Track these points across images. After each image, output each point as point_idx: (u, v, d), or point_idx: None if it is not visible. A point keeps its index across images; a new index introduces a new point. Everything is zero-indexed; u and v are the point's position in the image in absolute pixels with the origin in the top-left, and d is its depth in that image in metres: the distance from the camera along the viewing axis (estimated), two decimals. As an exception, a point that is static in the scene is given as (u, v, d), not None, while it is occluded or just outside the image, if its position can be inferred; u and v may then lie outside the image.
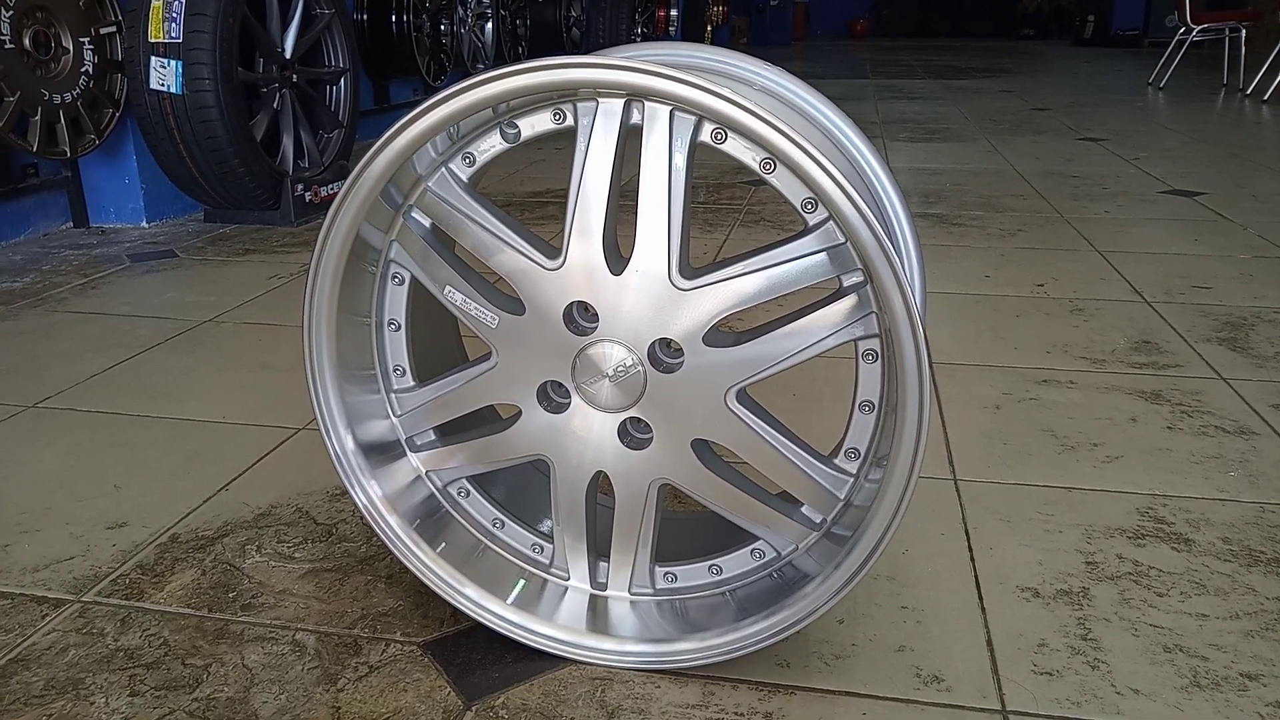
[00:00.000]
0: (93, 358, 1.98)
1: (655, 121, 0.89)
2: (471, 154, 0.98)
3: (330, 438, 1.07)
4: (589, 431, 1.01)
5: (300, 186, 3.19)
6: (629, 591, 1.09)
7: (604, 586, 1.10)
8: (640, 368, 0.97)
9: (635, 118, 0.90)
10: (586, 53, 0.95)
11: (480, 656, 1.07)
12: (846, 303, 0.92)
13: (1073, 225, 3.08)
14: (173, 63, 2.80)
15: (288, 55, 3.25)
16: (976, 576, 1.21)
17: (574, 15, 7.21)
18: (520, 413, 1.03)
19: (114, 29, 2.93)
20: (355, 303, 1.05)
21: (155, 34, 2.80)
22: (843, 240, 0.90)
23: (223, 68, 2.84)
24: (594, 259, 0.94)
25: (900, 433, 0.89)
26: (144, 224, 3.19)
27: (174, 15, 2.79)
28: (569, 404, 1.01)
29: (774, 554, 1.04)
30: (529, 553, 1.13)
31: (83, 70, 2.84)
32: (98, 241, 2.99)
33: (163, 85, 2.82)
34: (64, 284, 2.52)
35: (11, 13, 2.60)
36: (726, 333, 0.96)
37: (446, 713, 0.98)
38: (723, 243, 2.89)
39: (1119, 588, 1.18)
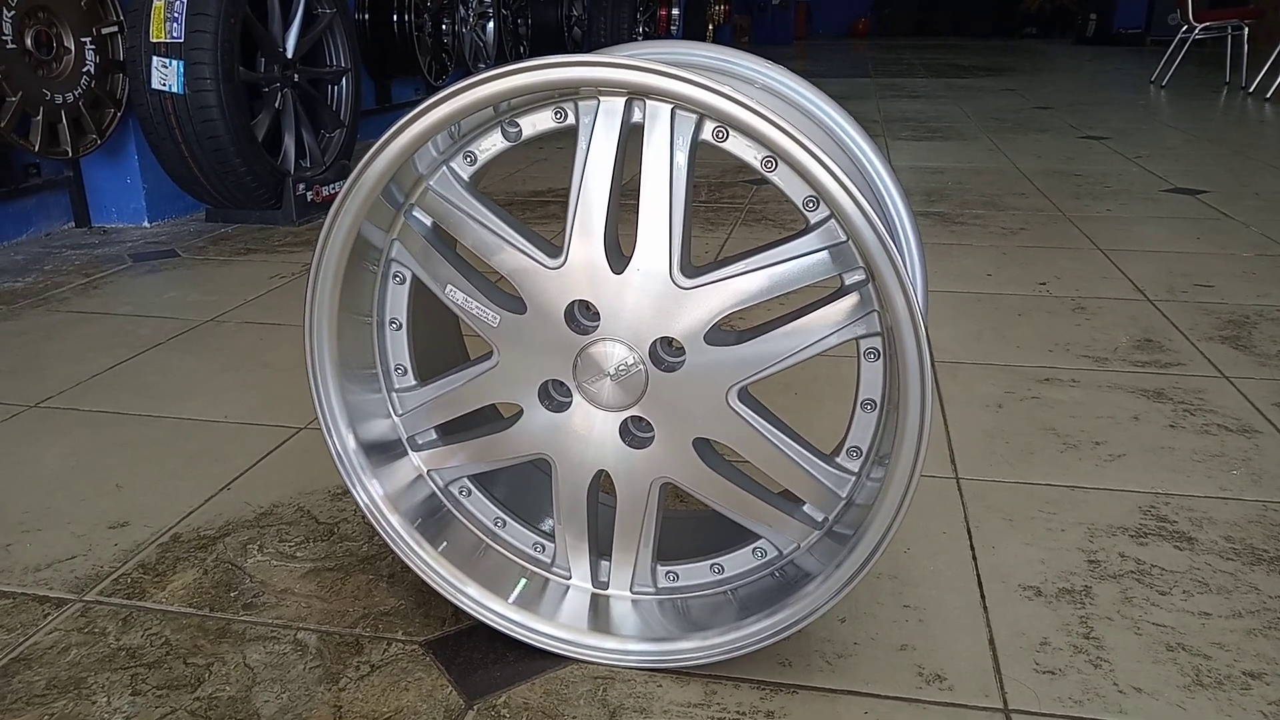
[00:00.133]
0: (94, 357, 1.98)
1: (656, 120, 0.89)
2: (473, 153, 0.98)
3: (332, 437, 1.07)
4: (590, 430, 1.01)
5: (302, 186, 3.19)
6: (630, 590, 1.09)
7: (606, 585, 1.10)
8: (642, 366, 0.96)
9: (637, 116, 0.90)
10: (588, 52, 0.95)
11: (482, 655, 1.07)
12: (848, 301, 0.92)
13: (1075, 224, 3.08)
14: (174, 62, 2.81)
15: (289, 55, 3.25)
16: (979, 575, 1.21)
17: (575, 14, 7.21)
18: (522, 412, 1.03)
19: (116, 29, 2.93)
20: (357, 302, 1.05)
21: (157, 34, 2.80)
22: (844, 238, 0.89)
23: (224, 67, 2.84)
24: (595, 258, 0.94)
25: (902, 431, 0.89)
26: (146, 224, 3.19)
27: (176, 15, 2.79)
28: (570, 403, 1.01)
29: (776, 553, 1.04)
30: (530, 552, 1.13)
31: (84, 70, 2.84)
32: (99, 241, 2.99)
33: (164, 85, 2.82)
34: (66, 284, 2.52)
35: (13, 13, 2.61)
36: (728, 331, 0.96)
37: (448, 712, 0.98)
38: (724, 241, 2.89)
39: (1121, 586, 1.18)
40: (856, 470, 0.98)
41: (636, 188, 0.91)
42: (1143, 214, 3.20)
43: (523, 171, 4.12)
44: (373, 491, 1.08)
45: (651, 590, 1.09)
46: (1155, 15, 11.76)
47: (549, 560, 1.12)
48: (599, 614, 1.08)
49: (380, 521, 1.08)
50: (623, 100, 0.90)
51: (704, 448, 0.99)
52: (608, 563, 1.09)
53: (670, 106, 0.89)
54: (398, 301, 1.07)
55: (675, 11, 9.92)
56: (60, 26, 2.79)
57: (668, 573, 1.08)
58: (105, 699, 1.00)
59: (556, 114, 0.94)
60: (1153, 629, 1.10)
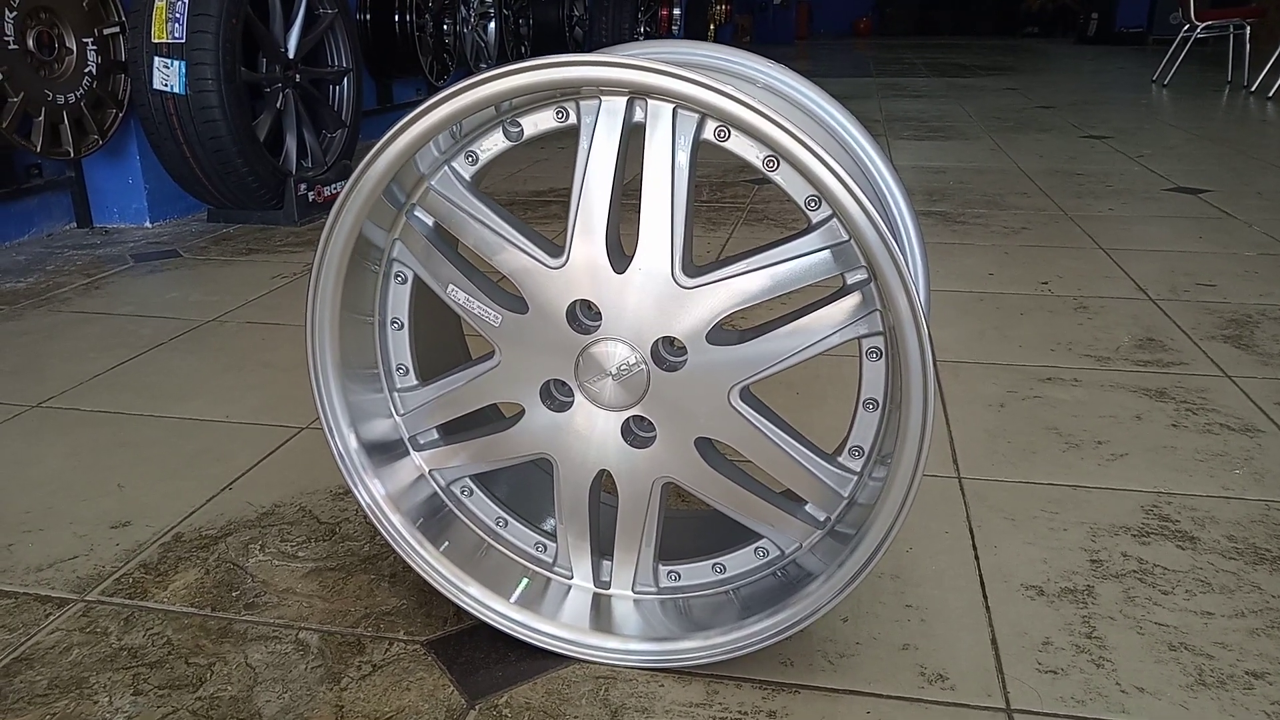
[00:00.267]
0: (96, 357, 1.98)
1: (658, 119, 0.89)
2: (474, 152, 0.98)
3: (333, 437, 1.07)
4: (592, 430, 1.01)
5: (303, 186, 3.19)
6: (632, 590, 1.09)
7: (607, 585, 1.10)
8: (643, 366, 0.96)
9: (638, 116, 0.90)
10: (589, 51, 0.95)
11: (483, 655, 1.07)
12: (850, 300, 0.91)
13: (1077, 223, 3.07)
14: (176, 63, 2.81)
15: (291, 55, 3.25)
16: (981, 575, 1.21)
17: (577, 14, 7.21)
18: (523, 411, 1.03)
19: (117, 29, 2.94)
20: (358, 301, 1.05)
21: (158, 34, 2.80)
22: (846, 238, 0.89)
23: (226, 68, 2.84)
24: (597, 257, 0.94)
25: (904, 430, 0.88)
26: (147, 224, 3.20)
27: (177, 15, 2.79)
28: (572, 402, 1.01)
29: (778, 552, 1.04)
30: (532, 551, 1.13)
31: (86, 71, 2.85)
32: (101, 241, 2.99)
33: (166, 85, 2.82)
34: (68, 284, 2.52)
35: (15, 14, 2.61)
36: (730, 331, 0.96)
37: (450, 711, 0.98)
38: (726, 241, 2.89)
39: (1124, 586, 1.18)
40: (859, 470, 0.98)
41: (638, 187, 0.91)
42: (1145, 213, 3.20)
43: (524, 171, 4.12)
44: (374, 491, 1.08)
45: (653, 590, 1.09)
46: (1157, 14, 11.76)
47: (551, 560, 1.12)
48: (601, 614, 1.08)
49: (382, 521, 1.08)
50: (624, 100, 0.90)
51: (706, 447, 0.99)
52: (609, 562, 1.09)
53: (672, 106, 0.88)
54: (399, 301, 1.07)
55: (676, 11, 9.92)
56: (62, 27, 2.79)
57: (669, 572, 1.08)
58: (107, 699, 1.00)
59: (558, 114, 0.94)
60: (1155, 628, 1.10)
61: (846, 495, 0.98)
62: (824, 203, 0.89)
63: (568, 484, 1.04)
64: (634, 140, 0.92)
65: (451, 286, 1.01)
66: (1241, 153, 4.28)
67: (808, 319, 0.93)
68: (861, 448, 0.97)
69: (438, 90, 0.90)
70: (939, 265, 2.61)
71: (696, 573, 1.08)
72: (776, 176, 0.90)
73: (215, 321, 2.21)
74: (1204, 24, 6.99)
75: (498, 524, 1.13)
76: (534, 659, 1.06)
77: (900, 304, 0.84)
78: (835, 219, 0.89)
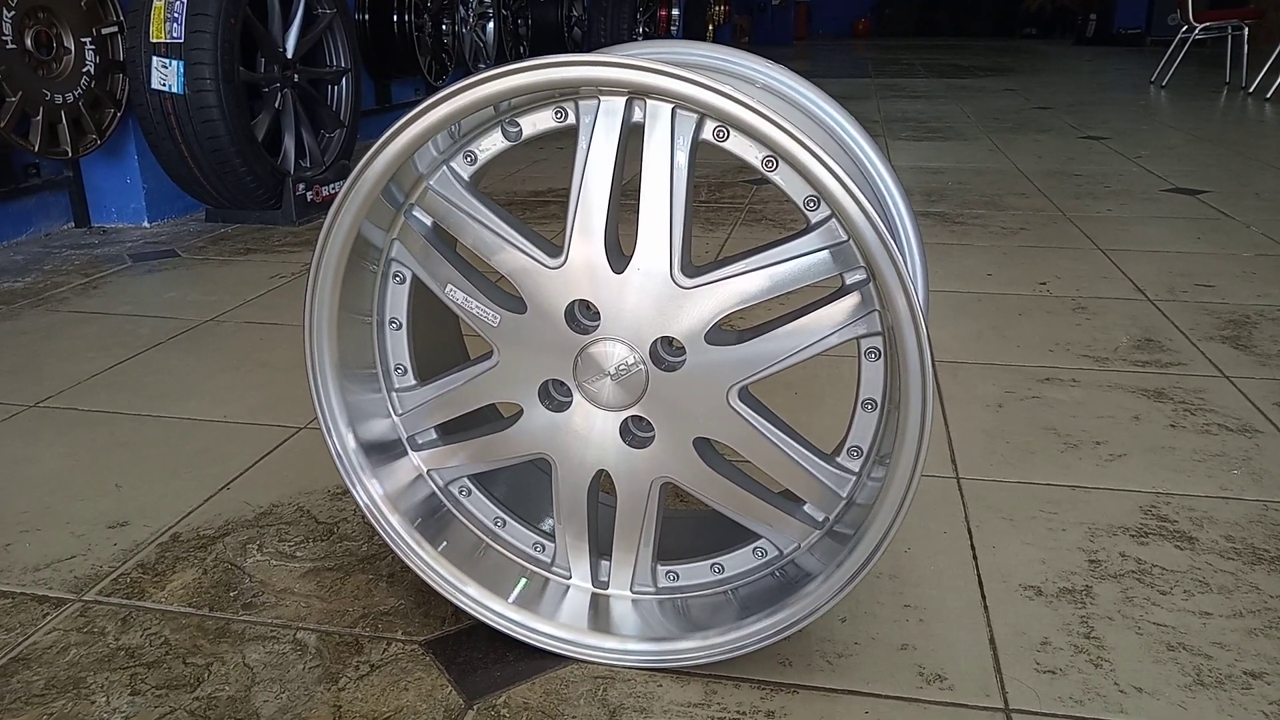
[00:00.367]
0: (94, 357, 1.98)
1: (657, 119, 0.89)
2: (473, 152, 0.98)
3: (331, 436, 1.07)
4: (591, 430, 1.01)
5: (302, 186, 3.19)
6: (631, 590, 1.09)
7: (606, 585, 1.10)
8: (642, 366, 0.96)
9: (637, 116, 0.90)
10: (588, 52, 0.94)
11: (482, 655, 1.06)
12: (849, 301, 0.91)
13: (1075, 223, 3.08)
14: (174, 62, 2.81)
15: (289, 55, 3.25)
16: (979, 575, 1.21)
17: (576, 15, 7.21)
18: (522, 411, 1.03)
19: (116, 29, 2.93)
20: (356, 301, 1.05)
21: (157, 34, 2.80)
22: (845, 238, 0.89)
23: (224, 68, 2.84)
24: (596, 257, 0.94)
25: (903, 431, 0.88)
26: (145, 224, 3.19)
27: (176, 15, 2.79)
28: (571, 402, 1.01)
29: (776, 552, 1.04)
30: (530, 551, 1.13)
31: (84, 70, 2.84)
32: (99, 241, 2.99)
33: (164, 85, 2.82)
34: (65, 284, 2.52)
35: (13, 13, 2.60)
36: (728, 331, 0.96)
37: (448, 712, 0.98)
38: (724, 241, 2.89)
39: (1122, 586, 1.18)
40: (857, 470, 0.98)
41: (637, 187, 0.91)
42: (1143, 214, 3.20)
43: (523, 171, 4.12)
44: (372, 491, 1.08)
45: (652, 590, 1.09)
46: (1155, 15, 11.77)
47: (549, 560, 1.12)
48: (599, 614, 1.08)
49: (380, 521, 1.08)
50: (623, 100, 0.90)
51: (704, 447, 0.99)
52: (608, 562, 1.09)
53: (671, 106, 0.88)
54: (398, 301, 1.07)
55: (675, 12, 9.92)
56: (60, 27, 2.78)
57: (668, 572, 1.08)
58: (104, 699, 1.00)
59: (557, 114, 0.94)
60: (1153, 629, 1.10)
61: (845, 495, 0.98)
62: (823, 203, 0.89)
63: (566, 484, 1.04)
64: (633, 140, 0.92)
65: (450, 286, 1.01)
66: (1239, 154, 4.29)
67: (806, 319, 0.93)
68: (860, 448, 0.97)
69: (436, 90, 0.90)
70: (937, 266, 2.61)
71: (695, 573, 1.08)
72: (775, 177, 0.90)
73: (213, 321, 2.21)
74: (1202, 25, 7.00)
75: (496, 524, 1.13)
76: (532, 659, 1.06)
77: (899, 304, 0.84)
78: (834, 219, 0.89)
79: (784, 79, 1.09)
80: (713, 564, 1.07)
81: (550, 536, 1.11)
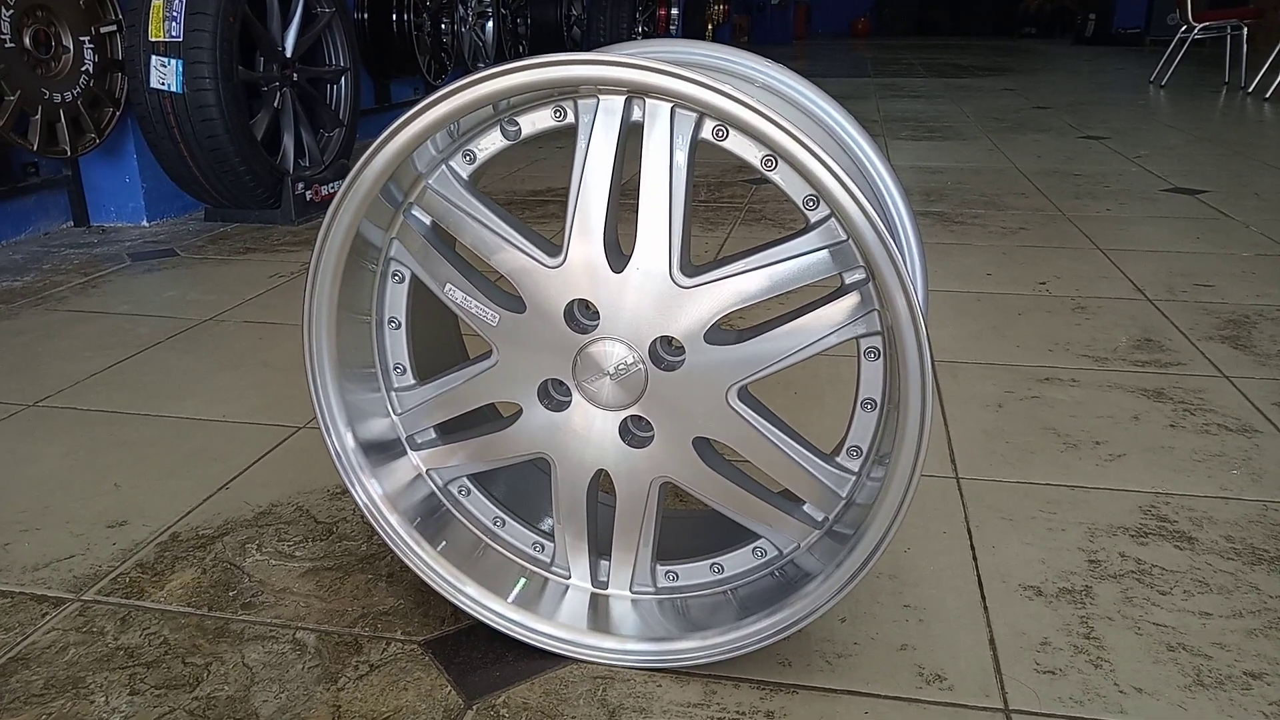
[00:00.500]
0: (93, 356, 1.98)
1: (656, 119, 0.89)
2: (472, 151, 0.98)
3: (330, 436, 1.07)
4: (590, 430, 1.01)
5: (301, 185, 3.19)
6: (630, 590, 1.09)
7: (605, 585, 1.10)
8: (641, 366, 0.96)
9: (636, 115, 0.90)
10: (587, 51, 0.94)
11: (481, 655, 1.06)
12: (848, 300, 0.91)
13: (1074, 223, 3.07)
14: (173, 61, 2.80)
15: (288, 54, 3.24)
16: (979, 575, 1.21)
17: (575, 14, 7.20)
18: (521, 411, 1.03)
19: (114, 28, 2.93)
20: (355, 301, 1.05)
21: (156, 33, 2.80)
22: (844, 237, 0.89)
23: (223, 66, 2.84)
24: (595, 257, 0.93)
25: (902, 431, 0.88)
26: (144, 223, 3.19)
27: (174, 14, 2.79)
28: (570, 402, 1.01)
29: (776, 552, 1.04)
30: (530, 551, 1.13)
31: (83, 69, 2.84)
32: (98, 240, 2.98)
33: (163, 84, 2.82)
34: (64, 283, 2.52)
35: (12, 11, 2.60)
36: (728, 330, 0.96)
37: (447, 711, 0.98)
38: (724, 241, 2.89)
39: (1122, 586, 1.18)
40: (857, 470, 0.98)
41: (636, 187, 0.91)
42: (1142, 214, 3.20)
43: (522, 170, 4.11)
44: (371, 491, 1.08)
45: (651, 590, 1.09)
46: (1154, 15, 11.77)
47: (548, 560, 1.12)
48: (598, 613, 1.08)
49: (379, 521, 1.08)
50: (622, 99, 0.90)
51: (704, 447, 0.99)
52: (607, 562, 1.09)
53: (670, 105, 0.88)
54: (397, 300, 1.07)
55: (674, 11, 9.91)
56: (59, 25, 2.78)
57: (667, 572, 1.08)
58: (103, 698, 1.00)
59: (556, 113, 0.94)
60: (1153, 629, 1.10)
61: (844, 495, 0.98)
62: (822, 202, 0.89)
63: (565, 484, 1.04)
64: (632, 139, 0.92)
65: (449, 286, 1.01)
66: (1239, 153, 4.29)
67: (806, 319, 0.93)
68: (859, 447, 0.97)
69: (435, 89, 0.90)
70: (937, 265, 2.61)
71: (694, 573, 1.08)
72: (775, 176, 0.89)
73: (212, 321, 2.20)
74: (1201, 25, 7.00)
75: (495, 524, 1.13)
76: (531, 659, 1.06)
77: (898, 304, 0.84)
78: (833, 219, 0.89)
79: (783, 78, 1.09)
80: (712, 564, 1.07)
81: (549, 536, 1.11)
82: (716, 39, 12.17)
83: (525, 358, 1.00)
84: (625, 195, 0.89)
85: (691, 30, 10.54)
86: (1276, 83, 6.21)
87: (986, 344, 2.02)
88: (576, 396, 1.00)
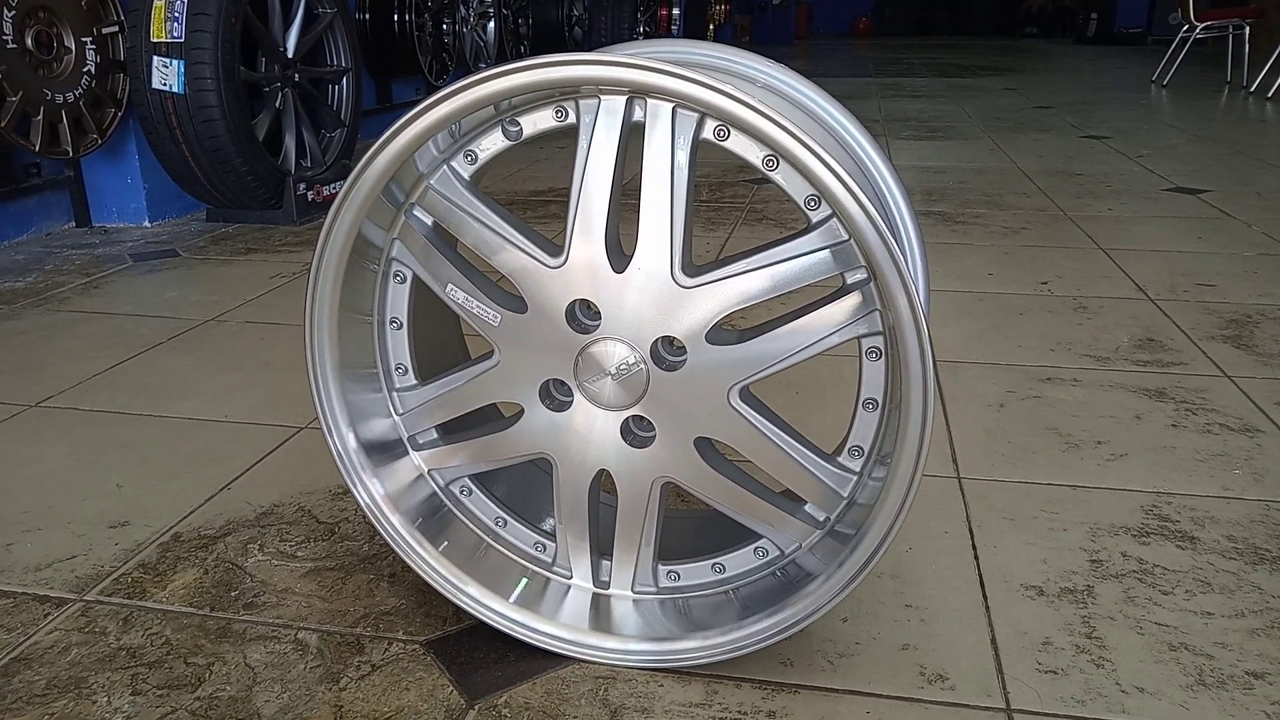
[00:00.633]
0: (95, 357, 1.98)
1: (658, 119, 0.89)
2: (473, 152, 0.98)
3: (332, 436, 1.07)
4: (591, 430, 1.01)
5: (302, 185, 3.19)
6: (632, 590, 1.09)
7: (607, 585, 1.10)
8: (643, 366, 0.96)
9: (638, 115, 0.90)
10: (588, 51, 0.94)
11: (483, 655, 1.06)
12: (850, 300, 0.91)
13: (1076, 223, 3.07)
14: (175, 62, 2.81)
15: (290, 54, 3.25)
16: (980, 575, 1.21)
17: (576, 14, 7.21)
18: (522, 411, 1.03)
19: (116, 28, 2.93)
20: (357, 301, 1.05)
21: (157, 33, 2.80)
22: (846, 237, 0.89)
23: (225, 67, 2.84)
24: (596, 257, 0.94)
25: (904, 430, 0.88)
26: (146, 223, 3.19)
27: (176, 15, 2.79)
28: (571, 402, 1.01)
29: (777, 552, 1.04)
30: (531, 551, 1.13)
31: (85, 70, 2.84)
32: (100, 241, 2.99)
33: (165, 85, 2.82)
34: (66, 283, 2.52)
35: (14, 12, 2.60)
36: (729, 330, 0.96)
37: (449, 711, 0.98)
38: (725, 241, 2.89)
39: (1123, 586, 1.18)
40: (858, 470, 0.98)
41: (637, 187, 0.91)
42: (1144, 213, 3.20)
43: (523, 171, 4.12)
44: (373, 491, 1.08)
45: (653, 590, 1.09)
46: (1156, 15, 11.77)
47: (550, 560, 1.12)
48: (600, 613, 1.08)
49: (381, 521, 1.08)
50: (624, 99, 0.90)
51: (705, 447, 0.99)
52: (609, 562, 1.09)
53: (671, 105, 0.88)
54: (398, 300, 1.07)
55: (676, 11, 9.91)
56: (61, 26, 2.78)
57: (669, 572, 1.08)
58: (106, 698, 1.00)
59: (557, 113, 0.94)
60: (1155, 628, 1.10)
61: (846, 495, 0.98)
62: (824, 202, 0.89)
63: (567, 484, 1.04)
64: (633, 139, 0.92)
65: (450, 286, 1.01)
66: (1240, 153, 4.28)
67: (807, 319, 0.93)
68: (861, 447, 0.97)
69: (437, 90, 0.90)
70: (938, 265, 2.61)
71: (696, 573, 1.08)
72: (776, 176, 0.90)
73: (214, 321, 2.21)
74: (1203, 24, 6.99)
75: (497, 524, 1.13)
76: (533, 659, 1.06)
77: (900, 304, 0.84)
78: (835, 218, 0.89)
79: (785, 78, 1.09)
80: (714, 564, 1.07)
81: (551, 536, 1.11)
82: (718, 39, 12.17)
83: (527, 358, 1.00)
84: (627, 195, 0.90)
85: (693, 30, 10.54)
86: (1278, 82, 6.21)
87: (988, 344, 2.02)
88: (578, 396, 1.00)
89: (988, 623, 1.11)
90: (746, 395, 0.96)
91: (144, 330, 2.14)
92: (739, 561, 1.06)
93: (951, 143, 4.78)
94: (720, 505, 1.01)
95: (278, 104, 3.21)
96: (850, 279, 0.91)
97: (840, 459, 0.98)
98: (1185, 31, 7.13)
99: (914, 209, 1.09)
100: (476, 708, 0.99)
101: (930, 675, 1.03)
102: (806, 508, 1.01)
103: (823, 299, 0.93)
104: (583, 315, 0.98)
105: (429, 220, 1.01)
